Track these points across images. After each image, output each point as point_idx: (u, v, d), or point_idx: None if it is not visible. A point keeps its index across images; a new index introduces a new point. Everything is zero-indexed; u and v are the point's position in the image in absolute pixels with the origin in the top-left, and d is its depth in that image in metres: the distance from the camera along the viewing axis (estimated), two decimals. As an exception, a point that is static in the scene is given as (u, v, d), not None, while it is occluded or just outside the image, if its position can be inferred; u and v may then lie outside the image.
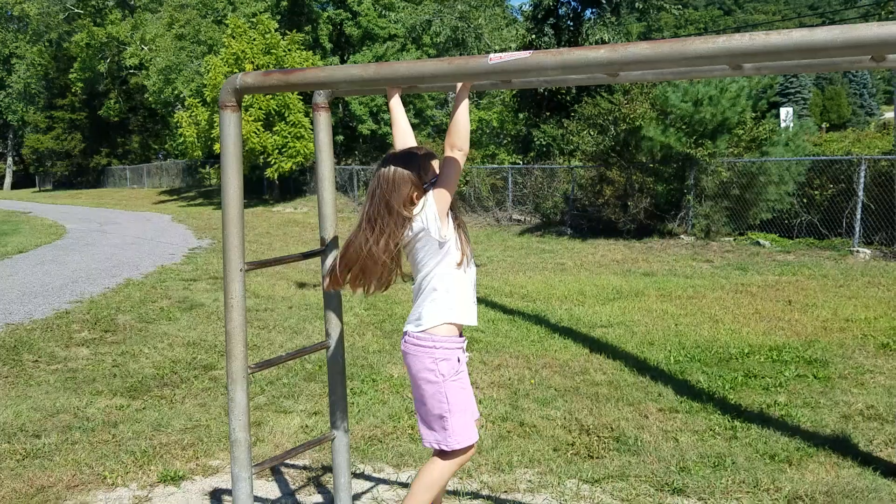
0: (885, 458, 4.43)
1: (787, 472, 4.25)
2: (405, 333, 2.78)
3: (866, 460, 4.42)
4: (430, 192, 2.62)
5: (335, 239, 2.88)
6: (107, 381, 6.49)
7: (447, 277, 2.72)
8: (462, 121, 2.46)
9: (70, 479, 4.43)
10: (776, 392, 5.75)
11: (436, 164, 2.67)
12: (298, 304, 9.80)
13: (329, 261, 2.88)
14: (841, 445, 4.67)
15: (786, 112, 28.24)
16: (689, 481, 4.13)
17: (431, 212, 2.61)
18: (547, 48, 2.07)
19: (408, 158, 2.67)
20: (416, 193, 2.65)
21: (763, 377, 6.09)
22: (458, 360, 2.77)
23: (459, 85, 2.39)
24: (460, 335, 2.79)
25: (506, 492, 4.12)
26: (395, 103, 2.64)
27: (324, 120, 2.75)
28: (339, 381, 2.94)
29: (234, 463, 2.57)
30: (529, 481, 4.24)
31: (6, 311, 9.51)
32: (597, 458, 4.59)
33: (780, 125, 18.50)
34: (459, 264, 2.73)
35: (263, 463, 2.69)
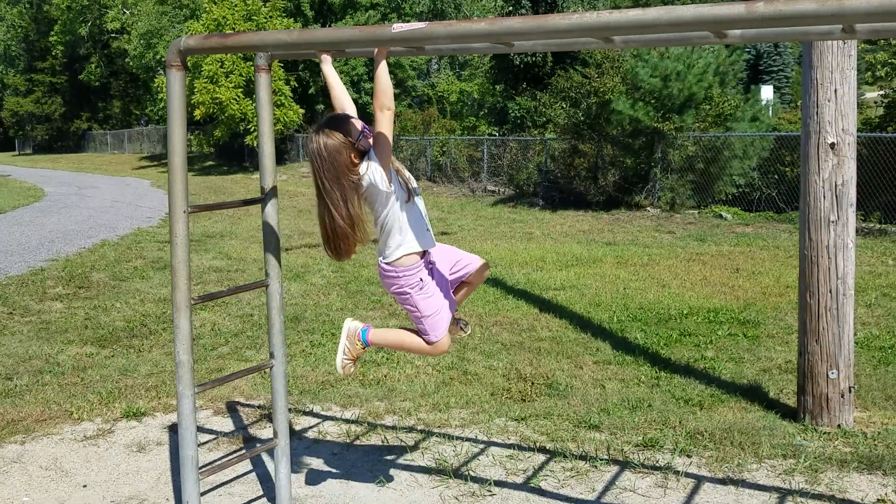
0: (791, 404, 4.85)
1: (696, 414, 4.67)
2: (379, 264, 3.21)
3: (772, 405, 4.85)
4: (373, 153, 2.95)
5: (274, 188, 3.22)
6: (78, 331, 6.82)
7: (400, 215, 3.06)
8: (383, 81, 2.78)
9: (39, 414, 4.78)
10: (706, 348, 6.17)
11: (356, 120, 2.99)
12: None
13: (268, 207, 3.21)
14: (753, 394, 5.09)
15: (767, 90, 28.67)
16: (606, 420, 4.54)
17: (377, 171, 2.94)
18: (549, 14, 2.36)
19: (332, 126, 2.98)
20: (352, 154, 2.98)
21: (696, 335, 6.51)
22: (421, 280, 3.15)
23: (376, 51, 2.71)
24: (422, 256, 3.15)
25: (439, 426, 4.51)
26: (327, 69, 2.94)
27: (264, 80, 3.08)
28: (276, 316, 3.29)
29: (179, 382, 2.92)
30: (462, 419, 4.64)
31: (-17, 268, 9.78)
32: (528, 401, 4.99)
33: (761, 102, 18.90)
34: (407, 201, 3.07)
35: (205, 384, 3.04)
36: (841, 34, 2.32)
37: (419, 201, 3.16)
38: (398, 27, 2.35)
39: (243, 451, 4.09)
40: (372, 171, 2.96)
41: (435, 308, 3.18)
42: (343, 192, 2.99)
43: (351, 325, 3.37)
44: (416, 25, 2.31)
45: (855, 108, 4.48)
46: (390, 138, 2.93)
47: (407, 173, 3.14)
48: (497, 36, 2.23)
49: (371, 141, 2.95)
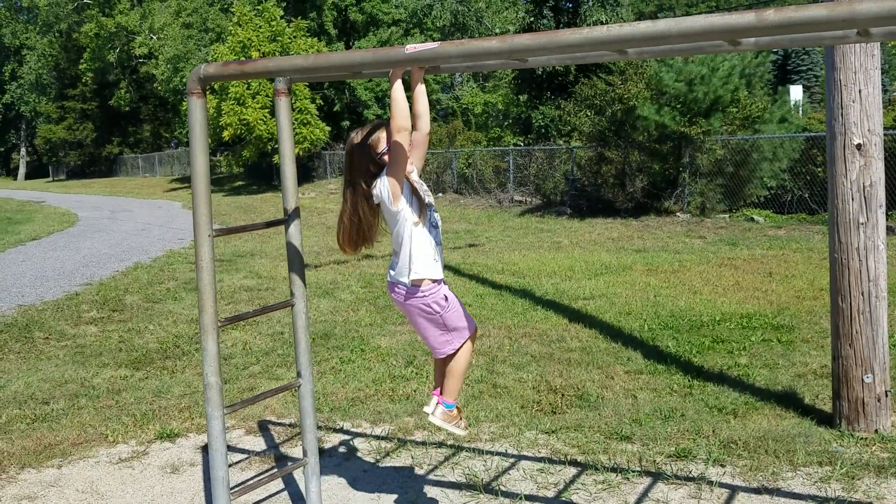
0: (827, 410, 4.77)
1: (730, 423, 4.61)
2: (397, 283, 3.14)
3: (807, 412, 4.77)
4: (384, 172, 2.99)
5: (296, 209, 3.25)
6: (112, 354, 6.92)
7: (409, 236, 3.07)
8: (396, 102, 2.80)
9: (75, 437, 4.85)
10: (739, 355, 6.09)
11: (383, 133, 3.03)
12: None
13: (291, 228, 3.25)
14: (788, 400, 5.02)
15: (796, 90, 28.37)
16: (638, 430, 4.50)
17: (385, 189, 2.99)
18: (546, 30, 2.35)
19: (367, 130, 3.07)
20: (370, 164, 3.04)
21: (730, 342, 6.43)
22: (446, 298, 3.13)
23: (391, 72, 2.74)
24: (435, 282, 3.11)
25: (469, 441, 4.51)
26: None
27: (284, 104, 3.12)
28: (302, 334, 3.31)
29: (208, 404, 2.95)
30: (492, 433, 4.62)
31: (19, 294, 9.97)
32: (559, 413, 4.96)
33: (790, 103, 18.66)
34: (417, 224, 3.05)
35: (234, 405, 3.07)
36: (856, 38, 2.30)
37: (433, 229, 3.12)
38: (411, 48, 2.37)
39: (274, 471, 4.12)
40: (381, 187, 3.00)
41: (459, 317, 3.17)
42: (355, 195, 3.09)
43: (434, 412, 3.24)
44: (428, 46, 2.33)
45: (880, 108, 4.42)
46: (401, 162, 2.94)
47: (425, 196, 3.10)
48: (509, 53, 2.25)
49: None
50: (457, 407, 3.25)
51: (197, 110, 2.80)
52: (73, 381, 6.15)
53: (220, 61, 3.13)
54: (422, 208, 3.07)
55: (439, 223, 3.17)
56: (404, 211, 3.03)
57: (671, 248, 11.85)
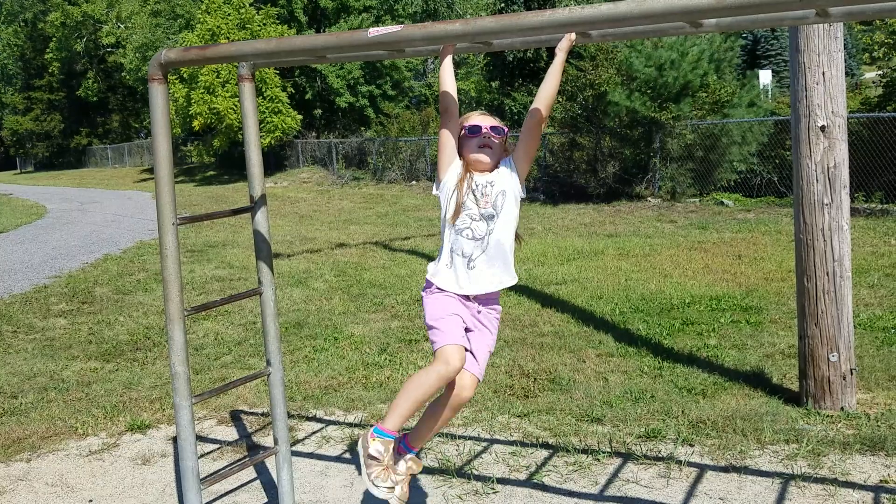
0: (794, 389, 4.84)
1: (699, 403, 4.67)
2: None
3: (775, 391, 4.84)
4: None
5: (263, 197, 3.23)
6: (82, 347, 6.84)
7: (442, 228, 2.90)
8: (447, 88, 2.73)
9: (44, 431, 4.80)
10: (708, 336, 6.16)
11: (463, 119, 2.92)
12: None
13: (258, 216, 3.22)
14: (756, 380, 5.09)
15: (765, 75, 28.63)
16: (608, 412, 4.55)
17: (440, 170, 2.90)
18: (522, 12, 2.33)
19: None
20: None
21: (699, 324, 6.51)
22: (433, 290, 2.85)
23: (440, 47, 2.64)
24: (439, 288, 2.85)
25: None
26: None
27: (248, 90, 3.09)
28: (271, 322, 3.30)
29: (176, 394, 2.93)
30: (465, 417, 4.64)
31: (-14, 287, 9.82)
32: (531, 397, 4.99)
33: (759, 87, 18.82)
34: (448, 221, 2.83)
35: (203, 395, 3.05)
36: (816, 18, 2.32)
37: (464, 235, 2.81)
38: (374, 31, 2.36)
39: (246, 460, 4.10)
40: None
41: (441, 313, 2.82)
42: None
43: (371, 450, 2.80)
44: (391, 29, 2.32)
45: (843, 90, 4.47)
46: (441, 148, 2.85)
47: (467, 197, 2.80)
48: (472, 36, 2.24)
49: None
50: (396, 440, 2.83)
51: (158, 97, 2.77)
52: (42, 374, 6.07)
53: (181, 47, 3.10)
54: (456, 209, 2.82)
55: (478, 237, 2.81)
56: (441, 198, 2.88)
57: (642, 233, 11.94)
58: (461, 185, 2.82)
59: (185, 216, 3.04)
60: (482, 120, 2.89)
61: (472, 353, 2.87)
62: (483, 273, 2.83)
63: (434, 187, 2.92)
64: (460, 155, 2.89)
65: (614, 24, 2.07)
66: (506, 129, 2.94)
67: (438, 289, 2.88)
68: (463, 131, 2.88)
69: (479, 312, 2.90)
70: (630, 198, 15.76)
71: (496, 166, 2.89)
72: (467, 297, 2.86)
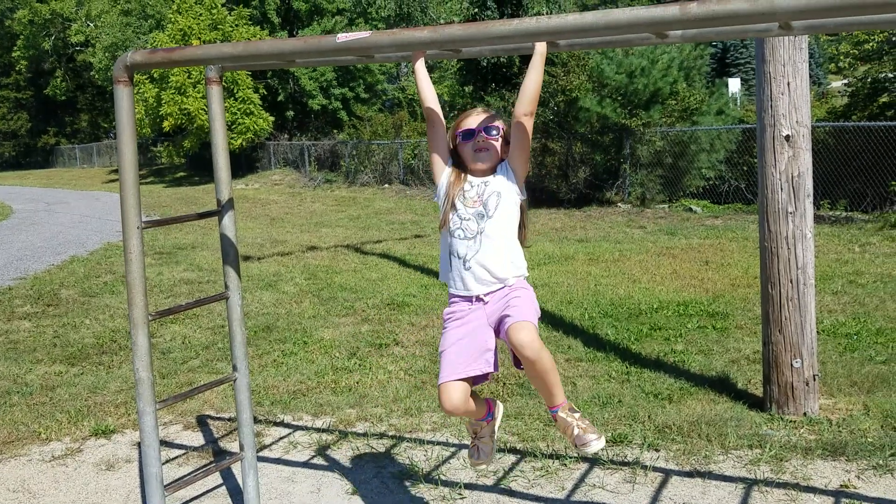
0: (758, 394, 4.90)
1: (665, 408, 4.72)
2: None
3: (739, 396, 4.90)
4: None
5: (230, 200, 3.21)
6: (47, 350, 6.74)
7: (442, 234, 2.94)
8: (422, 94, 2.76)
9: (6, 436, 4.72)
10: (675, 342, 6.22)
11: (457, 122, 2.94)
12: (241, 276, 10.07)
13: (225, 220, 3.20)
14: (722, 385, 5.15)
15: (734, 83, 29.03)
16: (576, 418, 4.57)
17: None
18: (490, 20, 2.31)
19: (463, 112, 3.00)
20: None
21: (667, 329, 6.57)
22: (453, 312, 2.90)
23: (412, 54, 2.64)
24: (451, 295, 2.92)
25: (410, 431, 4.52)
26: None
27: (215, 92, 3.07)
28: (237, 327, 3.28)
29: (139, 399, 2.91)
30: (434, 422, 4.65)
31: (-52, 289, 9.64)
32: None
33: (727, 95, 19.05)
34: (444, 224, 2.88)
35: (167, 400, 3.03)
36: (779, 31, 2.36)
37: (455, 239, 2.85)
38: (343, 37, 2.36)
39: (212, 465, 4.07)
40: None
41: (447, 347, 2.90)
42: None
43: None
44: (360, 35, 2.32)
45: (808, 100, 4.55)
46: (431, 151, 2.89)
47: (458, 199, 2.84)
48: (441, 43, 2.25)
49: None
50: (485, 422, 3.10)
51: (124, 99, 2.74)
52: (5, 377, 5.97)
53: (148, 49, 3.08)
54: (446, 214, 2.86)
55: (469, 236, 2.84)
56: (439, 205, 2.91)
57: (612, 238, 12.03)
58: (452, 188, 2.86)
59: (151, 220, 3.01)
60: (475, 121, 2.89)
61: (504, 326, 2.81)
62: (480, 273, 2.84)
63: (434, 195, 2.94)
64: (459, 161, 2.91)
65: (581, 35, 2.09)
66: (502, 127, 2.91)
67: (451, 298, 2.90)
68: (458, 138, 2.89)
69: (486, 304, 2.87)
70: (601, 203, 15.87)
71: (494, 169, 2.90)
72: (473, 299, 2.88)
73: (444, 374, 2.86)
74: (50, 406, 5.28)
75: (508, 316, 2.78)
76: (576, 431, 2.89)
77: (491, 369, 2.93)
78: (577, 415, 2.94)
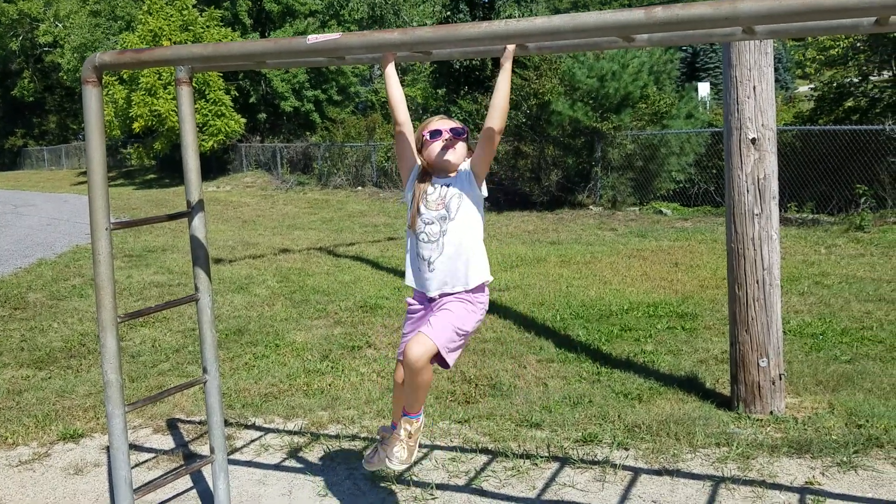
0: (726, 393, 4.98)
1: (635, 407, 4.77)
2: None
3: (707, 396, 4.97)
4: None
5: (200, 202, 3.20)
6: (14, 354, 6.65)
7: (407, 235, 3.02)
8: (390, 97, 2.81)
9: (-28, 441, 4.65)
10: (645, 342, 6.29)
11: (423, 125, 3.00)
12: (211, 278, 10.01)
13: (195, 221, 3.19)
14: (690, 385, 5.22)
15: (703, 87, 29.36)
16: (547, 417, 4.61)
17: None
18: (461, 23, 2.34)
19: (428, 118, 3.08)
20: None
21: (637, 330, 6.64)
22: (413, 309, 3.05)
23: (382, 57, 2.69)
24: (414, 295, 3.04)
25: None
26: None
27: (185, 94, 3.06)
28: (207, 329, 3.27)
29: (108, 402, 2.89)
30: (405, 424, 4.65)
31: (-88, 293, 9.46)
32: (472, 403, 5.03)
33: (697, 99, 19.28)
34: (410, 226, 2.95)
35: (136, 403, 3.01)
36: (742, 35, 2.41)
37: (421, 239, 2.92)
38: (313, 39, 2.37)
39: (182, 469, 4.04)
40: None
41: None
42: None
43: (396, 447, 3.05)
44: (330, 36, 2.33)
45: (773, 103, 4.63)
46: (399, 153, 2.97)
47: (422, 202, 2.92)
48: (411, 45, 2.27)
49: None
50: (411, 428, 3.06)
51: (92, 100, 2.73)
52: (-30, 382, 5.88)
53: (117, 49, 3.06)
54: (413, 215, 2.94)
55: (433, 239, 2.90)
56: (406, 199, 3.02)
57: (584, 241, 12.11)
58: (418, 189, 2.94)
59: (120, 221, 2.99)
60: (442, 123, 2.98)
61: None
62: (441, 276, 2.92)
63: (403, 197, 3.03)
64: (424, 160, 2.99)
65: (549, 38, 2.12)
66: (465, 130, 3.00)
67: (415, 293, 3.02)
68: (425, 137, 2.96)
69: (434, 302, 2.97)
70: (572, 206, 15.98)
71: (457, 171, 2.97)
72: (431, 299, 2.97)
73: (404, 340, 3.01)
74: (17, 410, 5.21)
75: (425, 324, 2.90)
76: (396, 445, 3.00)
77: None
78: (413, 437, 3.03)
